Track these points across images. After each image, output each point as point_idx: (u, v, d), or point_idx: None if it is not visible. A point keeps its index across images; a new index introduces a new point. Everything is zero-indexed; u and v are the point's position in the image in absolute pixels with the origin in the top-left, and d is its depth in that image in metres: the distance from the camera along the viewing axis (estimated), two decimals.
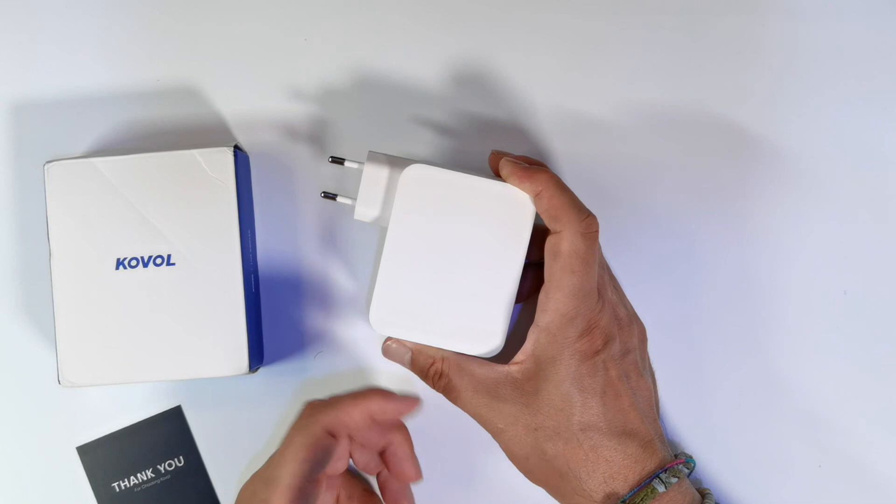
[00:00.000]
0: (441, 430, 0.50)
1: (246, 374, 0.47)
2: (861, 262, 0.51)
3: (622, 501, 0.44)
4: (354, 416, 0.43)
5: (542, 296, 0.45)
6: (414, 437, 0.50)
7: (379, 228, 0.50)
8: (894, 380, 0.50)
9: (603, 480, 0.44)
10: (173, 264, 0.47)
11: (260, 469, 0.44)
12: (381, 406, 0.44)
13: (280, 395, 0.50)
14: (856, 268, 0.51)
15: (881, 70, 0.51)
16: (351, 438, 0.44)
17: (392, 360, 0.48)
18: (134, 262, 0.47)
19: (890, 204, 0.51)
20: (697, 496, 0.45)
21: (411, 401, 0.44)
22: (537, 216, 0.45)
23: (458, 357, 0.46)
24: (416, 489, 0.49)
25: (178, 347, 0.47)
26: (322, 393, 0.50)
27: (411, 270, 0.45)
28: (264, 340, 0.50)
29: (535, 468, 0.45)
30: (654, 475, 0.44)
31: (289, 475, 0.41)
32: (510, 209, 0.45)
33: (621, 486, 0.44)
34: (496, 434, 0.46)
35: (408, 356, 0.47)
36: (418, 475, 0.46)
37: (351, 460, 0.45)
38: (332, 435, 0.43)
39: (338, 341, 0.50)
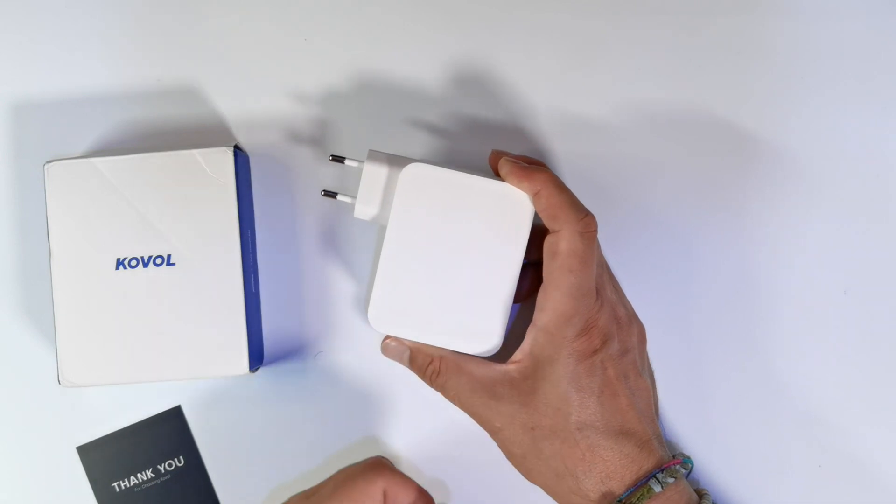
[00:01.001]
0: (439, 429, 0.50)
1: (246, 374, 0.47)
2: (861, 262, 0.50)
3: (619, 501, 0.43)
4: (410, 495, 0.45)
5: (540, 295, 0.45)
6: (413, 436, 0.50)
7: (379, 227, 0.50)
8: (894, 380, 0.50)
9: (599, 480, 0.44)
10: (173, 264, 0.47)
11: (305, 497, 0.45)
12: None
13: (280, 395, 0.50)
14: (856, 268, 0.50)
15: (881, 70, 0.51)
16: None
17: (391, 359, 0.48)
18: (134, 262, 0.47)
19: (890, 204, 0.51)
20: (695, 496, 0.45)
21: None
22: (536, 216, 0.45)
23: (456, 356, 0.46)
24: None
25: (178, 347, 0.47)
26: (327, 390, 0.50)
27: (410, 269, 0.45)
28: (264, 340, 0.50)
29: (532, 467, 0.45)
30: (651, 475, 0.44)
31: None
32: (509, 208, 0.45)
33: (618, 486, 0.44)
34: (494, 433, 0.46)
35: (406, 354, 0.47)
36: None
37: None
38: (385, 498, 0.44)
39: (338, 341, 0.50)
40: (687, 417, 0.50)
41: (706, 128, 0.51)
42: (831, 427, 0.50)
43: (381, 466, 0.45)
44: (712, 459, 0.50)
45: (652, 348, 0.50)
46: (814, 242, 0.51)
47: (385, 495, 0.44)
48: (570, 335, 0.44)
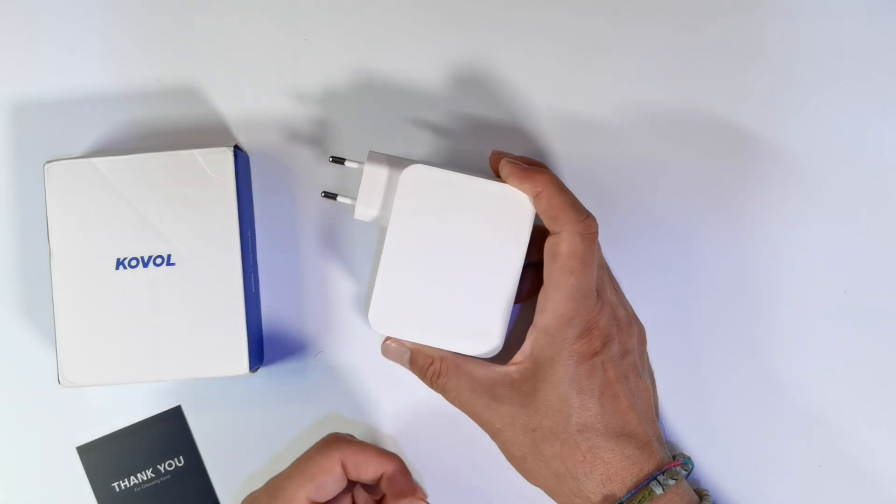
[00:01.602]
0: (439, 430, 0.50)
1: (246, 374, 0.47)
2: (861, 262, 0.51)
3: (620, 503, 0.44)
4: (370, 464, 0.45)
5: (541, 296, 0.45)
6: (413, 437, 0.50)
7: (379, 228, 0.50)
8: (894, 380, 0.50)
9: (600, 482, 0.44)
10: (173, 264, 0.47)
11: (266, 484, 0.45)
12: (396, 472, 0.45)
13: (280, 395, 0.50)
14: (856, 268, 0.51)
15: (881, 70, 0.51)
16: (355, 482, 0.45)
17: (391, 360, 0.48)
18: (134, 262, 0.47)
19: (890, 204, 0.51)
20: (695, 497, 0.45)
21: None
22: (537, 217, 0.45)
23: (456, 357, 0.46)
24: None
25: (178, 347, 0.47)
26: (327, 390, 0.50)
27: (411, 270, 0.45)
28: (264, 340, 0.50)
29: (532, 469, 0.45)
30: (652, 477, 0.44)
31: (296, 487, 0.43)
32: (510, 210, 0.45)
33: (619, 488, 0.44)
34: (494, 434, 0.46)
35: (407, 356, 0.47)
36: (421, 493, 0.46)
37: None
38: (343, 469, 0.44)
39: (338, 341, 0.50)
40: (687, 417, 0.50)
41: (706, 128, 0.51)
42: (831, 427, 0.50)
43: (336, 440, 0.45)
44: (712, 459, 0.50)
45: (652, 348, 0.50)
46: (814, 242, 0.51)
47: (344, 467, 0.44)
48: (570, 337, 0.44)
